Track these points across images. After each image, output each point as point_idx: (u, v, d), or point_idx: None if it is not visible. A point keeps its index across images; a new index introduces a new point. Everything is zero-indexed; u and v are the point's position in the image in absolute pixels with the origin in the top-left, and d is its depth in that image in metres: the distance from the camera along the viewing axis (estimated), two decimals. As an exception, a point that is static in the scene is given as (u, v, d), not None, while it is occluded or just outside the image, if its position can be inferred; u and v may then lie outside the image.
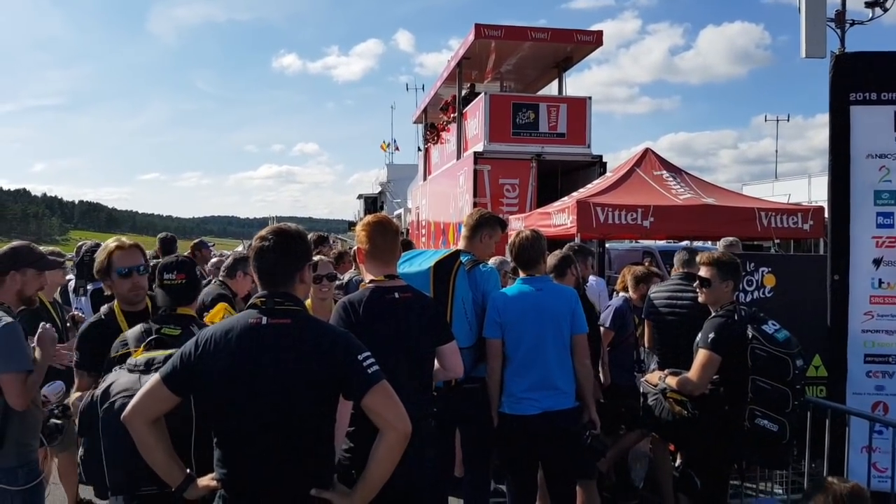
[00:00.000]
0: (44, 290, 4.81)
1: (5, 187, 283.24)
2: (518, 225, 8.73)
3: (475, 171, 10.82)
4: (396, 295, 2.92)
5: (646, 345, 4.92)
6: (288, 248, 2.25)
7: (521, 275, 3.72)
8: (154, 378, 2.15)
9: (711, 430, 3.64)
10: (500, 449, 3.66)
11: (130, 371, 2.39)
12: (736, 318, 3.64)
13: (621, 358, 5.01)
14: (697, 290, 3.82)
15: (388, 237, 3.00)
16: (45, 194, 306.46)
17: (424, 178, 16.23)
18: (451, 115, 13.21)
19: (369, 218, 3.13)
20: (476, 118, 11.62)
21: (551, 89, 13.77)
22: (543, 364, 3.52)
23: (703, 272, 3.77)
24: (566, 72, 12.68)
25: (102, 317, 3.09)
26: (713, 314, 3.74)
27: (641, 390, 3.94)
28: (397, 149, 32.74)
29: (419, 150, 17.78)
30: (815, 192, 20.43)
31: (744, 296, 4.65)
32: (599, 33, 11.57)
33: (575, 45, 11.66)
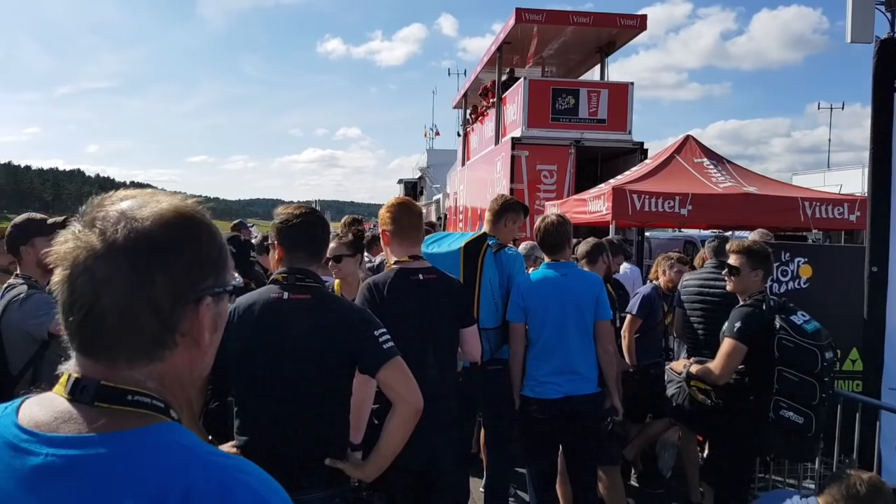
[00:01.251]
0: None
1: (61, 167, 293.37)
2: (553, 211, 8.69)
3: (512, 157, 10.76)
4: (421, 276, 2.95)
5: (675, 333, 4.87)
6: (325, 226, 2.35)
7: (546, 259, 3.74)
8: None
9: (735, 419, 3.60)
10: (521, 432, 3.70)
11: None
12: (764, 307, 3.58)
13: (649, 345, 4.97)
14: (726, 278, 3.76)
15: (412, 219, 3.04)
16: (98, 175, 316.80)
17: (463, 164, 16.23)
18: (491, 101, 13.15)
19: (393, 200, 3.18)
20: (515, 103, 11.54)
21: (594, 74, 13.57)
22: (566, 349, 3.53)
23: (732, 260, 3.72)
24: (609, 57, 12.50)
25: None
26: (741, 303, 3.68)
27: (666, 378, 3.92)
28: (438, 134, 32.71)
29: (458, 135, 17.77)
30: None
31: (778, 286, 4.56)
32: (643, 17, 11.36)
33: (618, 30, 11.47)
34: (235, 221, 7.92)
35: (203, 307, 0.87)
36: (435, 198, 22.09)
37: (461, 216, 15.03)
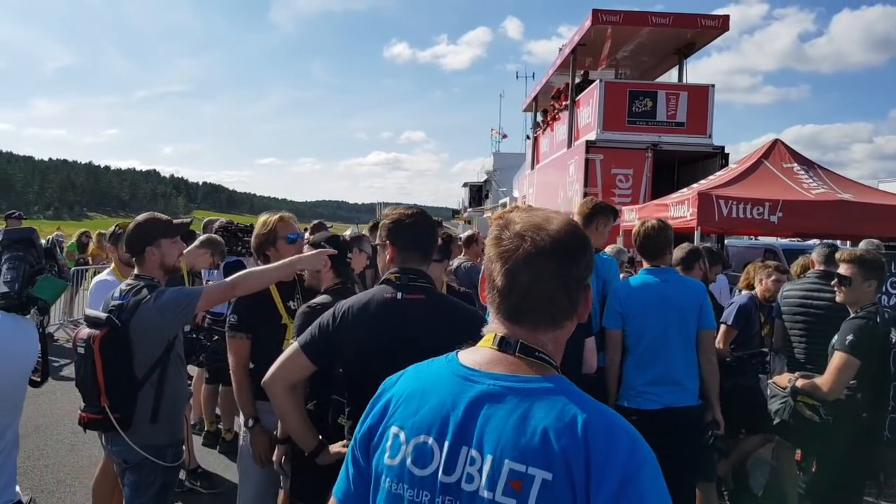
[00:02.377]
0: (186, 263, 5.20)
1: (137, 168, 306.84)
2: (631, 216, 8.48)
3: (587, 161, 10.60)
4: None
5: (773, 345, 4.64)
6: (431, 227, 2.31)
7: (645, 265, 3.62)
8: (293, 346, 2.25)
9: (846, 437, 3.40)
10: None
11: None
12: (878, 320, 3.37)
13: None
14: (836, 288, 3.56)
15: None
16: (172, 175, 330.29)
17: (532, 167, 16.09)
18: (563, 103, 12.99)
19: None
20: (590, 106, 11.36)
21: (670, 77, 13.24)
22: (667, 358, 3.41)
23: (843, 269, 3.52)
24: (688, 58, 12.17)
25: None
26: (852, 315, 3.48)
27: (769, 393, 3.73)
28: (504, 137, 32.61)
29: (528, 138, 17.65)
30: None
31: (886, 298, 4.31)
32: (726, 18, 11.00)
33: (698, 31, 11.14)
34: (315, 222, 7.86)
35: (589, 291, 1.23)
36: (501, 201, 21.99)
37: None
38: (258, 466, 3.23)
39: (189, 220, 3.50)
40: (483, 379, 1.17)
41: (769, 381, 3.89)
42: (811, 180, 7.25)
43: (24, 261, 2.22)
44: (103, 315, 2.84)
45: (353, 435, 1.32)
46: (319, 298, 2.99)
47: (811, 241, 12.39)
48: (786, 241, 11.98)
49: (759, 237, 12.91)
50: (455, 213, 45.01)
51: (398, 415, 1.23)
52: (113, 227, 4.20)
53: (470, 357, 1.23)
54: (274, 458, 3.03)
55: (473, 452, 1.11)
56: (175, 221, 3.21)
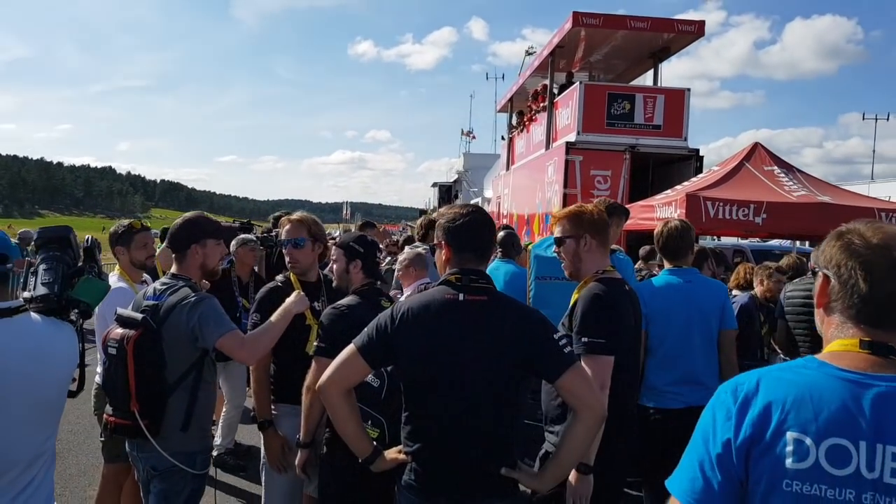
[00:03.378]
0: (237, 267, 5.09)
1: (92, 164, 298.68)
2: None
3: (566, 162, 10.69)
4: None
5: (774, 345, 4.74)
6: (492, 226, 2.28)
7: (667, 265, 3.65)
8: (349, 348, 2.18)
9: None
10: (637, 445, 3.59)
11: None
12: None
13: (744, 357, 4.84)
14: None
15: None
16: (129, 172, 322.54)
17: (507, 168, 16.16)
18: (542, 105, 13.07)
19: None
20: (569, 108, 11.45)
21: (644, 80, 13.45)
22: (689, 358, 3.44)
23: None
24: (663, 62, 12.37)
25: (280, 283, 3.34)
26: None
27: None
28: (474, 137, 32.68)
29: (503, 139, 17.72)
30: (920, 192, 19.19)
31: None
32: (701, 23, 11.20)
33: (675, 35, 11.33)
34: (363, 221, 7.65)
35: None
36: (473, 201, 22.03)
37: (505, 220, 14.96)
38: (276, 473, 3.17)
39: (246, 220, 3.46)
40: (876, 381, 1.25)
41: None
42: (791, 183, 7.45)
43: (61, 261, 2.10)
44: (138, 315, 2.72)
45: (712, 441, 1.32)
46: (347, 300, 2.96)
47: (773, 242, 12.74)
48: (755, 241, 12.27)
49: (723, 238, 13.20)
50: (422, 212, 44.88)
51: (792, 420, 1.26)
52: (115, 227, 3.93)
53: (844, 362, 1.30)
54: (297, 462, 2.98)
55: (892, 448, 1.21)
56: (223, 225, 3.15)
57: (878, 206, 7.16)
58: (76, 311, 2.07)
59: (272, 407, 3.20)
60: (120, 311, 2.77)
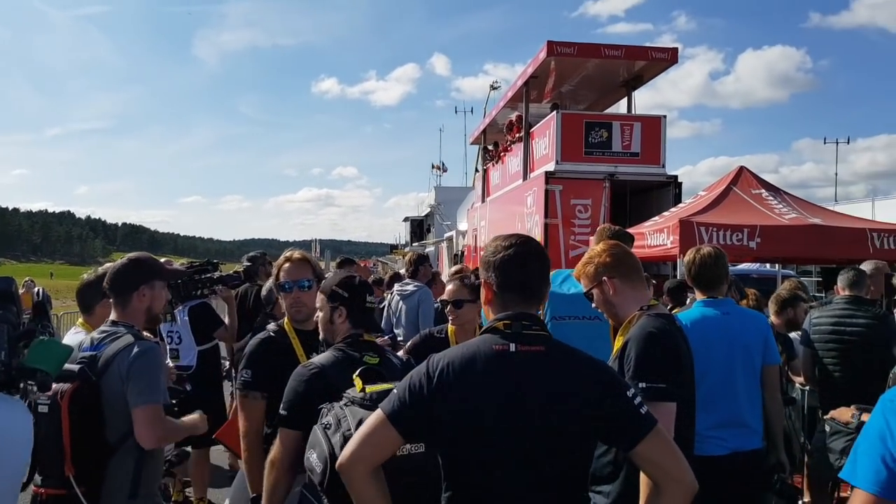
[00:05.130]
0: None
1: (50, 209, 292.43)
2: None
3: (546, 192, 10.51)
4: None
5: (803, 375, 4.47)
6: (544, 258, 1.94)
7: (699, 297, 3.36)
8: (376, 416, 1.80)
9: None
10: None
11: (363, 406, 2.01)
12: None
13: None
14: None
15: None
16: (89, 216, 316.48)
17: (483, 200, 15.97)
18: (517, 135, 12.95)
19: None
20: (546, 137, 11.33)
21: (617, 109, 13.45)
22: (733, 398, 3.13)
23: None
24: (635, 90, 12.37)
25: (272, 333, 2.95)
26: None
27: (828, 430, 3.52)
28: (445, 171, 32.61)
29: (476, 171, 17.58)
30: (879, 213, 19.44)
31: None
32: (675, 50, 11.22)
33: (648, 63, 11.34)
34: (341, 258, 6.57)
35: None
36: (447, 235, 21.78)
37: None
38: None
39: (184, 267, 3.07)
40: None
41: (826, 417, 3.69)
42: (781, 205, 7.33)
43: (4, 320, 1.71)
44: (74, 367, 2.37)
45: (891, 440, 1.43)
46: (321, 357, 2.47)
47: (742, 266, 12.67)
48: (739, 266, 12.18)
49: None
50: (393, 248, 44.59)
51: None
52: (85, 277, 3.48)
53: None
54: None
55: None
56: (168, 267, 2.89)
57: (869, 226, 7.07)
58: (31, 382, 1.67)
59: None
60: None
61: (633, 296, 2.50)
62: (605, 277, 2.50)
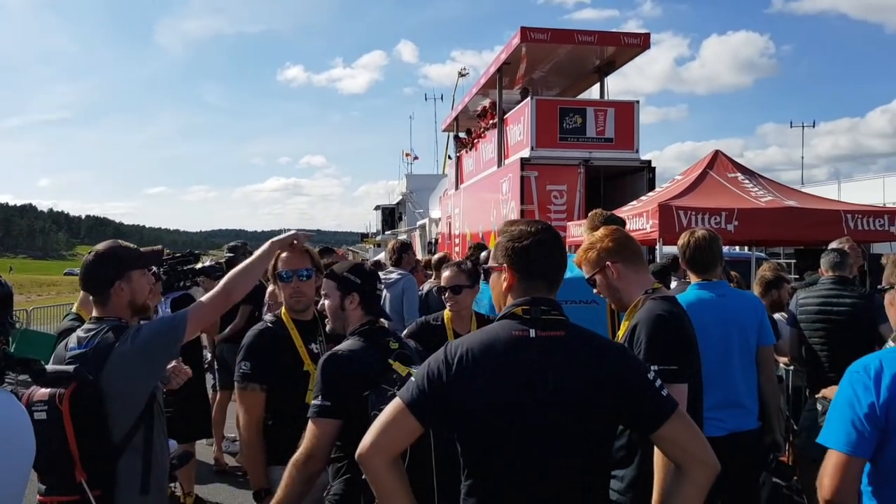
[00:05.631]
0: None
1: (11, 203, 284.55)
2: (578, 231, 8.38)
3: (522, 178, 10.51)
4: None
5: (787, 355, 4.52)
6: (563, 246, 1.88)
7: (693, 279, 3.35)
8: (394, 404, 1.74)
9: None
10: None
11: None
12: None
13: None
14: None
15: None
16: (51, 209, 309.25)
17: (456, 188, 15.92)
18: (491, 122, 12.90)
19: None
20: (521, 124, 11.31)
21: (589, 95, 13.49)
22: (730, 379, 3.13)
23: None
24: (608, 76, 12.41)
25: (269, 324, 2.88)
26: None
27: (819, 409, 3.56)
28: (416, 158, 32.45)
29: (449, 158, 17.52)
30: (844, 195, 19.82)
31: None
32: (647, 35, 11.28)
33: (620, 48, 11.38)
34: (322, 247, 6.20)
35: None
36: (420, 223, 21.70)
37: (458, 240, 14.67)
38: None
39: (159, 247, 2.92)
40: None
41: (817, 395, 3.72)
42: (757, 188, 7.40)
43: None
44: (69, 368, 2.21)
45: (858, 406, 1.73)
46: (347, 343, 2.45)
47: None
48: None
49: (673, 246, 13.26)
50: (364, 236, 44.32)
51: None
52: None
53: None
54: None
55: None
56: (144, 250, 2.65)
57: (843, 208, 7.18)
58: (28, 372, 1.60)
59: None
60: (47, 367, 2.29)
61: (637, 280, 2.47)
62: (608, 262, 2.46)
